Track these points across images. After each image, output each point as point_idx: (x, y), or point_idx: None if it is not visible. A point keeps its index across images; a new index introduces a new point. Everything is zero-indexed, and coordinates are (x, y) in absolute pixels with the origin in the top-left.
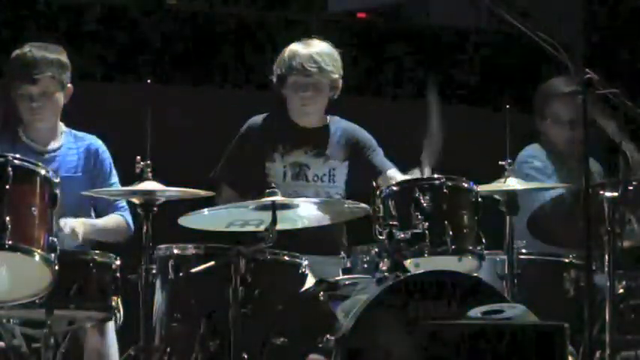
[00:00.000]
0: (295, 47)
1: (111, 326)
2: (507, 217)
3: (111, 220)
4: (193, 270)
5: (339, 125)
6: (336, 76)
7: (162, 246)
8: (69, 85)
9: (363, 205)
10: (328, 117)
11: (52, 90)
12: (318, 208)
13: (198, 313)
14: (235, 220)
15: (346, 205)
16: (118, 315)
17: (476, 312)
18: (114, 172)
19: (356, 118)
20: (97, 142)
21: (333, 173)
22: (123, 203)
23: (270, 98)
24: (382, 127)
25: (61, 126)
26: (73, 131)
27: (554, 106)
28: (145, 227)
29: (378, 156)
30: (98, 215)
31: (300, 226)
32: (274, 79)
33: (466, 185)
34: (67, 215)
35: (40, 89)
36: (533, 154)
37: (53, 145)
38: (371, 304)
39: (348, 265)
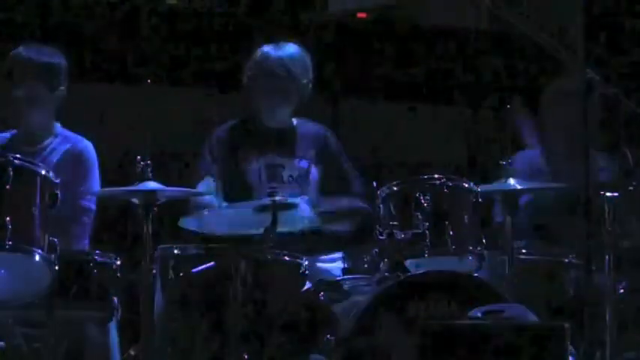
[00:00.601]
0: (267, 49)
1: (112, 322)
2: (507, 217)
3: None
4: (194, 270)
5: (307, 127)
6: (305, 81)
7: (163, 246)
8: (61, 87)
9: (363, 205)
10: (295, 119)
11: (37, 94)
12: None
13: (198, 313)
14: (236, 222)
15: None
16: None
17: (476, 312)
18: (93, 178)
19: (354, 119)
20: (82, 144)
21: (304, 174)
22: (85, 217)
23: None
24: (380, 128)
25: (57, 127)
26: (67, 132)
27: (558, 107)
28: (145, 227)
29: (346, 163)
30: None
31: (300, 227)
32: (244, 79)
33: (466, 185)
34: None
35: (25, 93)
36: (518, 158)
37: (38, 146)
38: (371, 304)
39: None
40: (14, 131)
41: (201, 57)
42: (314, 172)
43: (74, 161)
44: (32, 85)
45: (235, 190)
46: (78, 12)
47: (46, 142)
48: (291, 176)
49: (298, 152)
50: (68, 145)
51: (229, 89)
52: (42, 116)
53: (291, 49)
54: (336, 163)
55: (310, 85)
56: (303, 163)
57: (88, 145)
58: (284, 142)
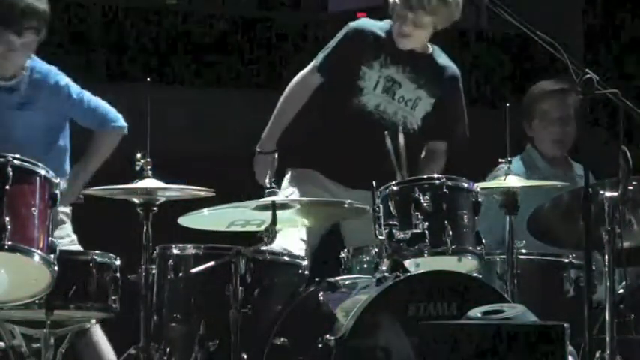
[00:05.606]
0: None
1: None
2: (507, 217)
3: (98, 150)
4: (193, 270)
5: (445, 62)
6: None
7: (162, 246)
8: (44, 32)
9: (362, 205)
10: (433, 47)
11: (31, 40)
12: (317, 209)
13: (198, 313)
14: (236, 220)
15: (346, 205)
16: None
17: (476, 312)
18: (74, 88)
19: None
20: (42, 68)
21: (416, 102)
22: (106, 110)
23: (269, 99)
24: None
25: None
26: (35, 62)
27: (543, 104)
28: (145, 227)
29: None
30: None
31: (300, 226)
32: None
33: (466, 185)
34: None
35: (23, 41)
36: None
37: (7, 82)
38: (371, 304)
39: None
40: None
41: (203, 57)
42: (426, 104)
43: (43, 88)
44: (31, 33)
45: (345, 90)
46: (79, 11)
47: (14, 77)
48: (402, 97)
49: (422, 80)
50: (30, 77)
51: (229, 88)
52: (25, 59)
53: None
54: (452, 108)
55: None
56: (420, 92)
57: (45, 68)
58: (415, 64)
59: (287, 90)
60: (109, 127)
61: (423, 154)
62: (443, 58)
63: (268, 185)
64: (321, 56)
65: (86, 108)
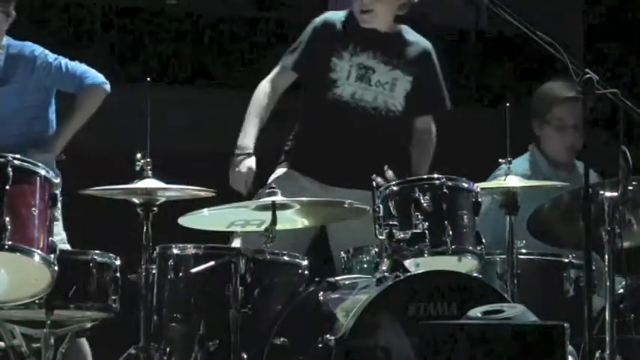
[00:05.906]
0: None
1: None
2: (507, 217)
3: (82, 109)
4: (193, 270)
5: (414, 37)
6: None
7: (162, 246)
8: (14, 13)
9: (362, 205)
10: (399, 25)
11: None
12: (317, 209)
13: (198, 313)
14: (236, 220)
15: (346, 205)
16: None
17: (476, 312)
18: (50, 55)
19: None
20: (17, 43)
21: (394, 83)
22: (84, 69)
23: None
24: None
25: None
26: (10, 40)
27: (559, 110)
28: (145, 227)
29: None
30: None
31: (300, 225)
32: None
33: (466, 185)
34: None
35: None
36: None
37: None
38: (371, 304)
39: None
40: None
41: (202, 56)
42: (404, 83)
43: (19, 63)
44: None
45: (319, 83)
46: (79, 11)
47: None
48: (379, 81)
49: (395, 60)
50: (4, 54)
51: (229, 88)
52: None
53: None
54: (429, 82)
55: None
56: (396, 73)
57: (19, 43)
58: (385, 46)
59: (256, 94)
60: (88, 85)
61: (413, 141)
62: (411, 34)
63: (244, 191)
64: (292, 56)
65: (64, 72)
